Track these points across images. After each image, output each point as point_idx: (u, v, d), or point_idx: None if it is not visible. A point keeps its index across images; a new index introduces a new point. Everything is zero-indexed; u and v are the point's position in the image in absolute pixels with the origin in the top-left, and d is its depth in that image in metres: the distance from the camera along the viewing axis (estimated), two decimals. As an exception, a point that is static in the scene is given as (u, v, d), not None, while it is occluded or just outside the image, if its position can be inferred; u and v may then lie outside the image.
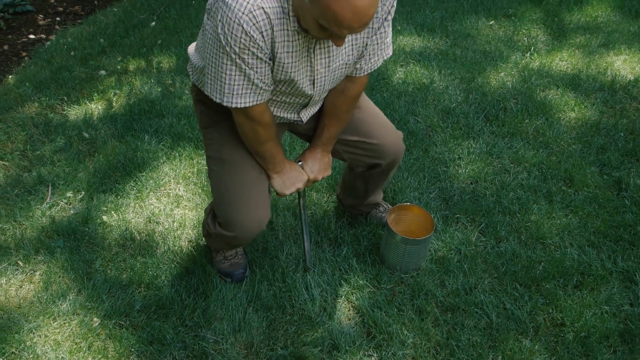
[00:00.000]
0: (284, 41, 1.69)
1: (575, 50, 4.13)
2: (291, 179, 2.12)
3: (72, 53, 4.34)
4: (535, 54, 4.10)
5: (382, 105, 3.52)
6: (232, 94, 1.77)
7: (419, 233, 2.48)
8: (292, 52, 1.73)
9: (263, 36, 1.63)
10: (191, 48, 2.05)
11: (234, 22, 1.59)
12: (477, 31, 4.45)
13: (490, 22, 4.57)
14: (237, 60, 1.68)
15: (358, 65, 1.95)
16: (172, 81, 3.90)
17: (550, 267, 2.48)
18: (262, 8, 1.58)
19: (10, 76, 4.10)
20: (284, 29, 1.66)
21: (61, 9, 5.25)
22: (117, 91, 3.80)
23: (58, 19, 5.06)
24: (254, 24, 1.59)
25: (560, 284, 2.42)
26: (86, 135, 3.37)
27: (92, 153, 3.25)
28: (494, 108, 3.51)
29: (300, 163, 2.18)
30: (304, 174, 2.15)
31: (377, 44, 1.91)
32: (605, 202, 2.82)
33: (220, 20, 1.62)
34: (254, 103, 1.81)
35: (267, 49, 1.67)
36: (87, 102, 3.70)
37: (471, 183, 2.97)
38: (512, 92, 3.67)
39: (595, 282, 2.42)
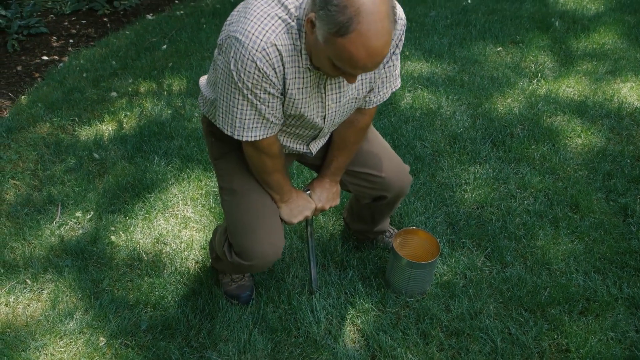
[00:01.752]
0: (296, 78, 1.72)
1: (582, 77, 4.15)
2: (299, 207, 2.14)
3: (84, 75, 4.40)
4: (542, 81, 4.12)
5: (390, 130, 3.54)
6: (243, 128, 1.80)
7: (424, 257, 2.49)
8: (303, 88, 1.76)
9: (276, 72, 1.66)
10: (202, 80, 2.09)
11: (247, 59, 1.62)
12: (485, 57, 4.49)
13: (498, 49, 4.61)
14: (249, 95, 1.71)
15: (367, 98, 1.98)
16: (182, 104, 3.95)
17: (555, 293, 2.48)
18: (275, 45, 1.62)
19: (23, 97, 4.15)
20: (295, 66, 1.69)
21: (74, 31, 5.33)
22: (128, 113, 3.84)
23: (71, 41, 5.14)
24: (267, 61, 1.62)
25: (566, 310, 2.42)
26: (96, 155, 3.41)
27: (101, 173, 3.29)
28: (501, 134, 3.53)
29: (308, 192, 2.20)
30: (311, 202, 2.17)
31: (386, 76, 1.94)
32: (611, 228, 2.82)
33: (233, 57, 1.65)
34: (264, 136, 1.84)
35: (279, 84, 1.70)
36: (98, 123, 3.75)
37: (477, 208, 2.98)
38: (519, 118, 3.69)
39: (601, 308, 2.42)
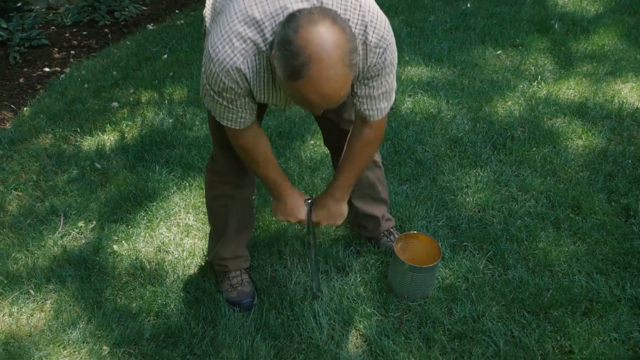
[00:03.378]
0: (264, 90, 1.78)
1: (582, 79, 4.15)
2: (283, 210, 2.17)
3: (85, 85, 4.42)
4: (543, 83, 4.12)
5: (391, 135, 3.55)
6: (216, 114, 1.89)
7: (426, 261, 2.49)
8: (274, 97, 1.82)
9: (240, 85, 1.73)
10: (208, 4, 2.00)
11: (214, 72, 1.70)
12: (485, 61, 4.50)
13: (498, 52, 4.62)
14: (216, 97, 1.79)
15: (360, 105, 1.92)
16: (184, 112, 3.96)
17: (558, 294, 2.48)
18: (239, 69, 1.68)
19: (25, 108, 4.18)
20: (263, 82, 1.74)
21: (76, 42, 5.36)
22: (129, 122, 3.86)
23: (72, 52, 5.16)
24: (231, 77, 1.69)
25: (569, 311, 2.41)
26: (98, 165, 3.42)
27: (103, 183, 3.30)
28: (502, 136, 3.53)
29: (309, 201, 2.19)
30: (302, 213, 2.18)
31: (382, 92, 1.88)
32: (613, 229, 2.82)
33: (204, 64, 1.73)
34: (238, 127, 1.90)
35: (245, 92, 1.76)
36: (100, 133, 3.77)
37: (479, 211, 2.98)
38: (520, 120, 3.69)
39: (604, 309, 2.41)
